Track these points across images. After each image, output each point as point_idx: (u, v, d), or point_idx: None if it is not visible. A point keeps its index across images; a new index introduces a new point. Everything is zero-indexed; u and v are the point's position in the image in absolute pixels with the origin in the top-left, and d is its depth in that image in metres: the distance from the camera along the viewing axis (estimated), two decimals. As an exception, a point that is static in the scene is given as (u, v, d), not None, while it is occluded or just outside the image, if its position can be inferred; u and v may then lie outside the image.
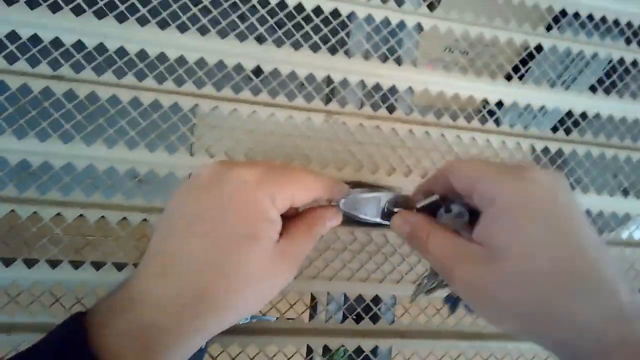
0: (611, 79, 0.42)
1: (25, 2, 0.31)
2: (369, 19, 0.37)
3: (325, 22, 0.36)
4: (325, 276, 0.34)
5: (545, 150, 0.39)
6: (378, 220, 0.33)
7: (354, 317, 0.36)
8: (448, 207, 0.25)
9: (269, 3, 0.34)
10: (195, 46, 0.33)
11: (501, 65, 0.41)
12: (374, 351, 0.35)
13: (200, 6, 0.33)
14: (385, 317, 0.36)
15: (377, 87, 0.36)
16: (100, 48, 0.31)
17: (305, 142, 0.35)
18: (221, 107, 0.33)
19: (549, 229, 0.19)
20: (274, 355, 0.33)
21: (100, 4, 0.32)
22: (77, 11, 0.31)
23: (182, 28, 0.33)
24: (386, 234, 0.36)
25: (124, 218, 0.30)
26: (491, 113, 0.39)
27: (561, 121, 0.41)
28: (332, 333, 0.34)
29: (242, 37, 0.34)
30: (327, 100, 0.36)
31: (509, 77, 0.39)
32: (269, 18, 0.34)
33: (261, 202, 0.22)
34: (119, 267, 0.30)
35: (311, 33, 0.35)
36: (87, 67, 0.31)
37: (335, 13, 0.36)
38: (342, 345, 0.34)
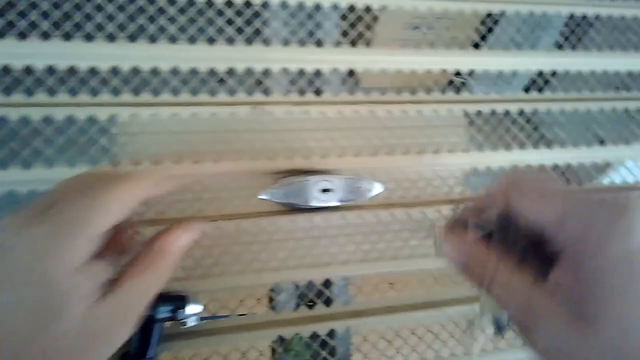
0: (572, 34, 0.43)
1: None
2: (284, 4, 0.36)
3: (238, 13, 0.35)
4: (271, 268, 0.34)
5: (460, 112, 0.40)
6: (313, 204, 0.33)
7: (308, 303, 0.36)
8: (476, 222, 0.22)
9: (176, 2, 0.34)
10: (106, 54, 0.32)
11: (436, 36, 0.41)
12: (332, 335, 0.35)
13: (105, 11, 0.33)
14: (339, 299, 0.36)
15: (302, 72, 0.36)
16: (5, 69, 0.31)
17: (233, 136, 0.34)
18: (140, 112, 0.32)
19: None
20: (228, 354, 0.33)
21: (-2, 24, 0.31)
22: (-26, 34, 0.30)
23: (90, 37, 0.32)
24: (328, 217, 0.36)
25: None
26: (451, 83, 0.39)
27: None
28: (286, 323, 0.34)
29: (153, 39, 0.33)
30: (251, 91, 0.35)
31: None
32: (178, 17, 0.34)
33: (57, 271, 0.18)
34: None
35: (224, 27, 0.35)
36: (-7, 90, 0.30)
37: (247, 3, 0.35)
38: (297, 333, 0.34)
